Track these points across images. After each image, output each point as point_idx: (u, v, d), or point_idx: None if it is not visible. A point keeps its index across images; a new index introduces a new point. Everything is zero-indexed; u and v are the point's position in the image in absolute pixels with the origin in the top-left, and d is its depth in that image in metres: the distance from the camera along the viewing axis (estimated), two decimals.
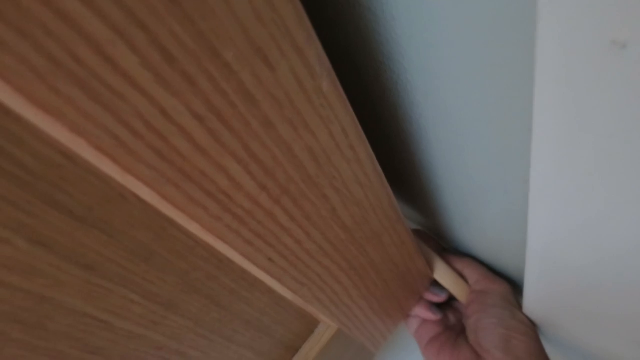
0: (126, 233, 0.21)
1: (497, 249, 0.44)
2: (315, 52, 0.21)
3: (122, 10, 0.14)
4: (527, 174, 0.23)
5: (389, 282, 0.42)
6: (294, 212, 0.26)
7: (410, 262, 0.43)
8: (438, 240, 0.54)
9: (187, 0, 0.16)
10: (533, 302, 0.39)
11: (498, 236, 0.41)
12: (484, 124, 0.28)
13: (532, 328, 0.40)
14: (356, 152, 0.28)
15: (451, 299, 0.48)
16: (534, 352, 0.38)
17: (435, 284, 0.45)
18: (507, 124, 0.27)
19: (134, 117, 0.17)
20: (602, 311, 0.32)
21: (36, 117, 0.14)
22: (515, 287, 0.47)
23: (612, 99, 0.15)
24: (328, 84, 0.23)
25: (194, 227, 0.22)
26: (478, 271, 0.45)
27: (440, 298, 0.45)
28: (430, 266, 0.47)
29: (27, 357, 0.20)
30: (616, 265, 0.25)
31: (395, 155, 0.41)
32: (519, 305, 0.42)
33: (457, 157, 0.33)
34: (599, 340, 0.37)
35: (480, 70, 0.24)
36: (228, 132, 0.20)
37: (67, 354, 0.22)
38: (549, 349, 0.46)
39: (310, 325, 0.39)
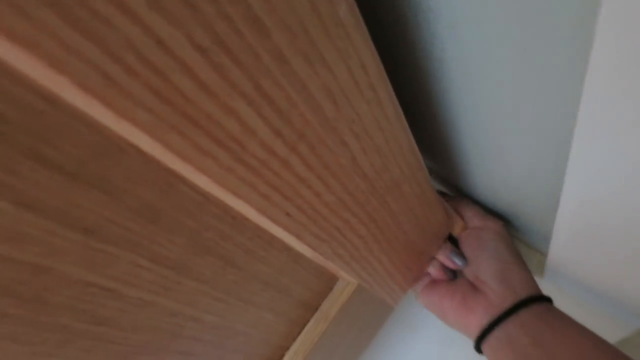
0: (127, 190, 0.18)
1: (517, 201, 0.43)
2: None
3: None
4: (565, 122, 0.20)
5: (409, 234, 0.40)
6: (312, 160, 0.24)
7: (430, 212, 0.41)
8: (455, 191, 0.52)
9: None
10: (564, 248, 0.38)
11: (523, 186, 0.39)
12: (519, 63, 0.25)
13: (524, 261, 0.42)
14: (376, 92, 0.25)
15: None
16: (527, 283, 0.39)
17: (454, 251, 0.45)
18: (549, 64, 0.24)
19: (125, 49, 0.14)
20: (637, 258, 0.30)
21: (3, 47, 0.12)
22: (525, 235, 0.47)
23: None
24: (345, 10, 0.20)
25: (203, 181, 0.19)
26: (473, 210, 0.46)
27: (456, 266, 0.44)
28: (451, 221, 0.45)
29: (28, 333, 0.18)
30: None
31: (413, 98, 0.38)
32: (511, 240, 0.44)
33: (485, 97, 0.30)
34: (632, 287, 0.36)
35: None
36: (236, 68, 0.17)
37: (72, 328, 0.20)
38: (575, 295, 0.45)
39: (329, 282, 0.37)
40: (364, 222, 0.32)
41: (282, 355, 0.37)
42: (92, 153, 0.17)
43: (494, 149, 0.36)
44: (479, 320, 0.39)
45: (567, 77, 0.23)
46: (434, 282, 0.45)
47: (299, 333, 0.38)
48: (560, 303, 0.41)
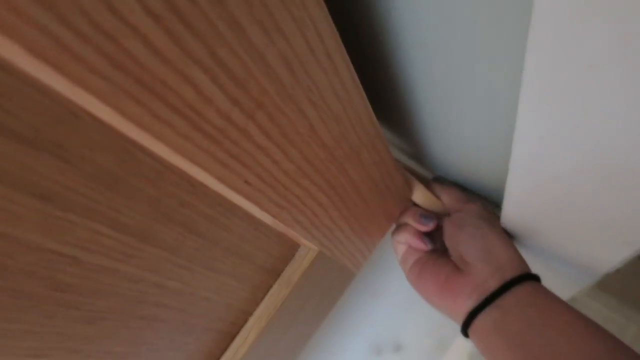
0: (84, 157, 0.19)
1: (476, 167, 0.44)
2: None
3: None
4: (514, 82, 0.21)
5: (368, 201, 0.41)
6: (270, 129, 0.24)
7: (389, 180, 0.42)
8: (417, 165, 0.53)
9: None
10: (513, 211, 0.39)
11: (478, 152, 0.40)
12: (468, 27, 0.26)
13: (509, 238, 0.40)
14: (333, 60, 0.25)
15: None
16: (513, 260, 0.37)
17: (423, 213, 0.45)
18: (495, 27, 0.25)
19: (75, 13, 0.14)
20: (586, 217, 0.32)
21: None
22: (491, 204, 0.48)
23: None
24: None
25: (160, 149, 0.20)
26: (453, 194, 0.45)
27: (428, 227, 0.44)
28: (409, 187, 0.46)
29: None
30: (601, 167, 0.25)
31: (370, 70, 0.39)
32: (495, 217, 0.42)
33: (438, 67, 0.31)
34: (581, 245, 0.38)
35: None
36: (190, 35, 0.17)
37: (33, 293, 0.20)
38: (527, 257, 0.47)
39: (291, 248, 0.38)
40: (324, 190, 0.33)
41: (246, 320, 0.39)
42: (47, 120, 0.17)
43: (449, 116, 0.38)
44: (463, 302, 0.37)
45: (514, 42, 0.24)
46: (420, 263, 0.43)
47: (262, 298, 0.39)
48: None
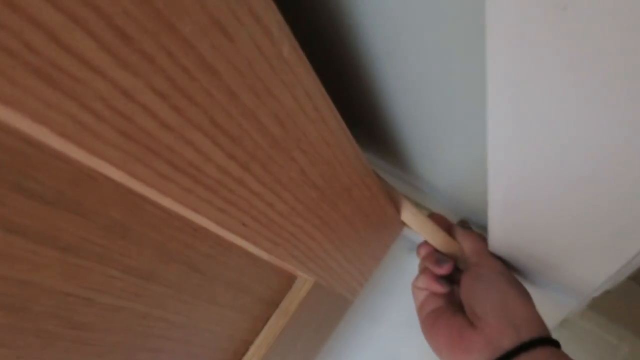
0: (99, 212, 0.21)
1: (460, 189, 0.45)
2: (273, 17, 0.21)
3: None
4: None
5: (361, 232, 0.43)
6: (264, 176, 0.27)
7: (380, 211, 0.44)
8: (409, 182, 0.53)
9: None
10: (498, 233, 0.38)
11: (460, 175, 0.42)
12: (440, 67, 0.29)
13: (528, 294, 0.38)
14: (320, 112, 0.28)
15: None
16: (531, 320, 0.35)
17: (439, 257, 0.43)
18: (462, 63, 0.27)
19: (96, 100, 0.17)
20: (568, 235, 0.32)
21: None
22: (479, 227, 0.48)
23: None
24: (288, 49, 0.23)
25: (166, 202, 0.22)
26: (476, 245, 0.43)
27: (443, 270, 0.42)
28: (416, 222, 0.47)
29: (14, 339, 0.21)
30: (576, 190, 0.25)
31: (359, 107, 0.41)
32: (514, 277, 0.40)
33: (417, 103, 0.34)
34: (568, 265, 0.37)
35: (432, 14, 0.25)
36: (192, 106, 0.20)
37: (54, 332, 0.23)
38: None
39: (288, 280, 0.41)
40: (317, 226, 0.35)
41: (247, 349, 0.41)
42: (68, 183, 0.19)
43: (431, 135, 0.39)
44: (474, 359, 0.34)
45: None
46: (436, 314, 0.40)
47: (262, 328, 0.41)
48: None
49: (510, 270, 0.40)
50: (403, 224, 0.50)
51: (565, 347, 0.34)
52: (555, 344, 0.34)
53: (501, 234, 0.38)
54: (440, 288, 0.42)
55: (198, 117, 0.20)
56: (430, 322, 0.40)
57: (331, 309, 0.48)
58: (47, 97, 0.15)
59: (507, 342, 0.33)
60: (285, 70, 0.24)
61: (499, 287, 0.37)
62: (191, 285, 0.29)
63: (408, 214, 0.47)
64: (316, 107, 0.27)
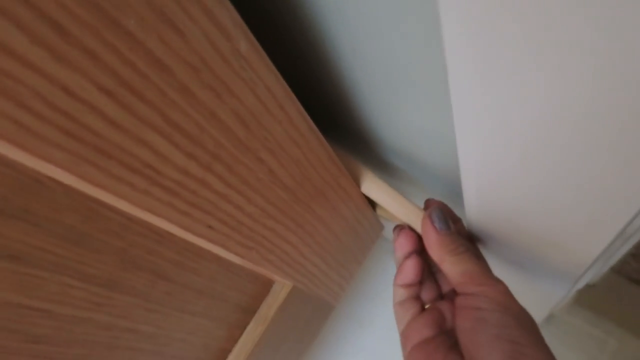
0: (51, 219, 0.20)
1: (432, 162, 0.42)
2: (227, 13, 0.21)
3: None
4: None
5: (339, 235, 0.43)
6: (229, 178, 0.26)
7: (359, 214, 0.44)
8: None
9: None
10: (475, 209, 0.34)
11: (430, 144, 0.39)
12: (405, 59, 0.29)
13: (537, 329, 0.30)
14: (286, 111, 0.27)
15: (450, 292, 0.37)
16: None
17: (438, 214, 0.34)
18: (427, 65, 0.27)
19: (34, 98, 0.16)
20: (550, 209, 0.28)
21: None
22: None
23: None
24: (246, 45, 0.22)
25: (123, 205, 0.22)
26: (471, 265, 0.31)
27: (442, 227, 0.33)
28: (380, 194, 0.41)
29: None
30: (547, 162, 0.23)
31: (323, 92, 0.41)
32: (523, 309, 0.30)
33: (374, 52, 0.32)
34: (551, 246, 0.33)
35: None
36: (143, 104, 0.19)
37: (8, 347, 0.22)
38: (499, 271, 0.43)
39: (265, 285, 0.40)
40: (291, 229, 0.35)
41: (225, 358, 0.40)
42: (14, 189, 0.18)
43: (395, 106, 0.36)
44: None
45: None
46: (425, 350, 0.32)
47: (239, 336, 0.40)
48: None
49: (513, 298, 0.30)
50: (383, 226, 0.50)
51: (553, 343, 0.31)
52: None
53: (476, 205, 0.33)
54: (433, 232, 0.33)
55: (150, 115, 0.20)
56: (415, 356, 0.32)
57: (313, 314, 0.47)
58: None
59: None
60: (243, 67, 0.23)
61: (508, 335, 0.28)
62: (159, 293, 0.28)
63: (371, 185, 0.40)
64: (281, 106, 0.27)
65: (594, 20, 0.14)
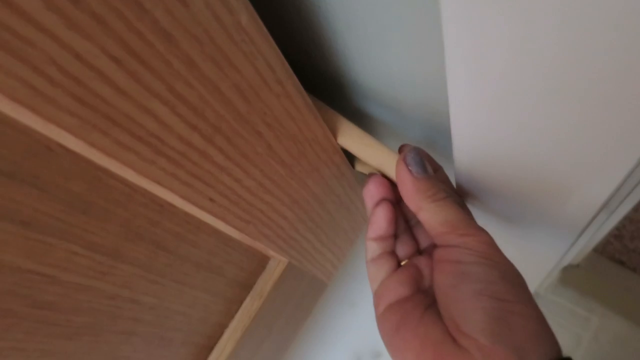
0: (59, 185, 0.21)
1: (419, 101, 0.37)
2: None
3: None
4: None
5: (332, 213, 0.43)
6: (229, 150, 0.27)
7: (352, 192, 0.45)
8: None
9: None
10: (465, 159, 0.30)
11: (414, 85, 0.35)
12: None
13: (526, 286, 0.26)
14: (284, 86, 0.28)
15: (429, 247, 0.33)
16: (537, 336, 0.24)
17: (414, 157, 0.30)
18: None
19: (47, 63, 0.16)
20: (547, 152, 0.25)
21: None
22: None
23: None
24: (247, 18, 0.23)
25: (128, 174, 0.22)
26: (443, 219, 0.28)
27: (416, 170, 0.29)
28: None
29: None
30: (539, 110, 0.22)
31: (323, 86, 0.42)
32: (508, 262, 0.27)
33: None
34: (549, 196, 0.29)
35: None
36: (149, 73, 0.20)
37: (17, 312, 0.22)
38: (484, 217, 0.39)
39: (261, 261, 0.41)
40: (287, 204, 0.35)
41: (222, 332, 0.40)
42: (24, 154, 0.19)
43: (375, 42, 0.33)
44: None
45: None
46: (399, 311, 0.28)
47: (236, 311, 0.41)
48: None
49: (498, 249, 0.27)
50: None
51: None
52: None
53: (466, 154, 0.29)
54: (409, 177, 0.29)
55: (156, 85, 0.20)
56: (392, 325, 0.28)
57: (306, 292, 0.48)
58: None
59: None
60: (245, 40, 0.23)
61: (492, 291, 0.24)
62: (159, 265, 0.29)
63: (345, 133, 0.36)
64: (279, 81, 0.27)
65: None
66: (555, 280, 0.70)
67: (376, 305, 0.31)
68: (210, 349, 0.41)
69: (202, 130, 0.24)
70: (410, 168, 0.29)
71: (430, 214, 0.28)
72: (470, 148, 0.28)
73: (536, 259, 0.43)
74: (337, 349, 0.75)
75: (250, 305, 0.41)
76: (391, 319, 0.28)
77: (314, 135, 0.34)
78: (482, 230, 0.27)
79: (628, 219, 0.77)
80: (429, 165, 0.30)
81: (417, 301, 0.28)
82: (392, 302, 0.29)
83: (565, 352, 0.24)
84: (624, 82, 0.18)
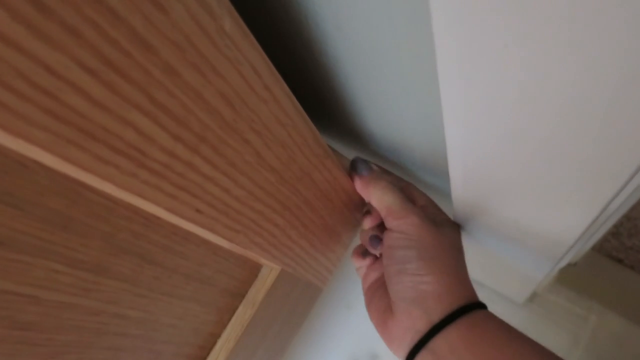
0: (36, 203, 0.20)
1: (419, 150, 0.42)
2: None
3: None
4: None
5: (326, 218, 0.43)
6: (216, 160, 0.26)
7: (344, 196, 0.44)
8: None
9: None
10: (462, 194, 0.35)
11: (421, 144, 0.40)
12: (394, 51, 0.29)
13: (445, 262, 0.33)
14: (272, 91, 0.27)
15: None
16: (441, 295, 0.32)
17: (372, 236, 0.40)
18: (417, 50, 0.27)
19: (15, 77, 0.15)
20: (538, 186, 0.29)
21: None
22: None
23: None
24: (230, 24, 0.22)
25: (109, 188, 0.21)
26: (385, 204, 0.36)
27: (375, 250, 0.40)
28: None
29: None
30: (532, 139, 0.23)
31: (314, 89, 0.41)
32: (433, 235, 0.34)
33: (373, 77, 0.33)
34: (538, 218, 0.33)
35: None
36: (127, 84, 0.19)
37: None
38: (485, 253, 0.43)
39: (253, 269, 0.40)
40: (278, 211, 0.35)
41: (215, 342, 0.40)
42: None
43: (383, 96, 0.36)
44: (399, 346, 0.33)
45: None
46: (372, 289, 0.39)
47: (228, 320, 0.40)
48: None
49: (424, 220, 0.34)
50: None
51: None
52: (477, 307, 0.32)
53: (464, 194, 0.34)
54: (362, 261, 0.41)
55: (135, 95, 0.19)
56: (368, 298, 0.38)
57: (301, 298, 0.48)
58: None
59: (423, 326, 0.31)
60: (229, 46, 0.23)
61: (409, 270, 0.32)
62: (147, 278, 0.28)
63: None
64: (266, 86, 0.26)
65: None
66: (553, 279, 0.70)
67: (363, 283, 0.41)
68: (203, 359, 0.40)
69: (186, 140, 0.23)
70: (358, 172, 0.40)
71: (377, 202, 0.37)
72: (464, 183, 0.32)
73: (521, 277, 0.50)
74: (334, 351, 0.74)
75: (243, 314, 0.40)
76: (369, 293, 0.38)
77: (304, 140, 0.33)
78: (412, 211, 0.35)
79: (625, 217, 0.76)
80: (374, 165, 0.40)
81: (380, 282, 0.38)
82: (369, 284, 0.39)
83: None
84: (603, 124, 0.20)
